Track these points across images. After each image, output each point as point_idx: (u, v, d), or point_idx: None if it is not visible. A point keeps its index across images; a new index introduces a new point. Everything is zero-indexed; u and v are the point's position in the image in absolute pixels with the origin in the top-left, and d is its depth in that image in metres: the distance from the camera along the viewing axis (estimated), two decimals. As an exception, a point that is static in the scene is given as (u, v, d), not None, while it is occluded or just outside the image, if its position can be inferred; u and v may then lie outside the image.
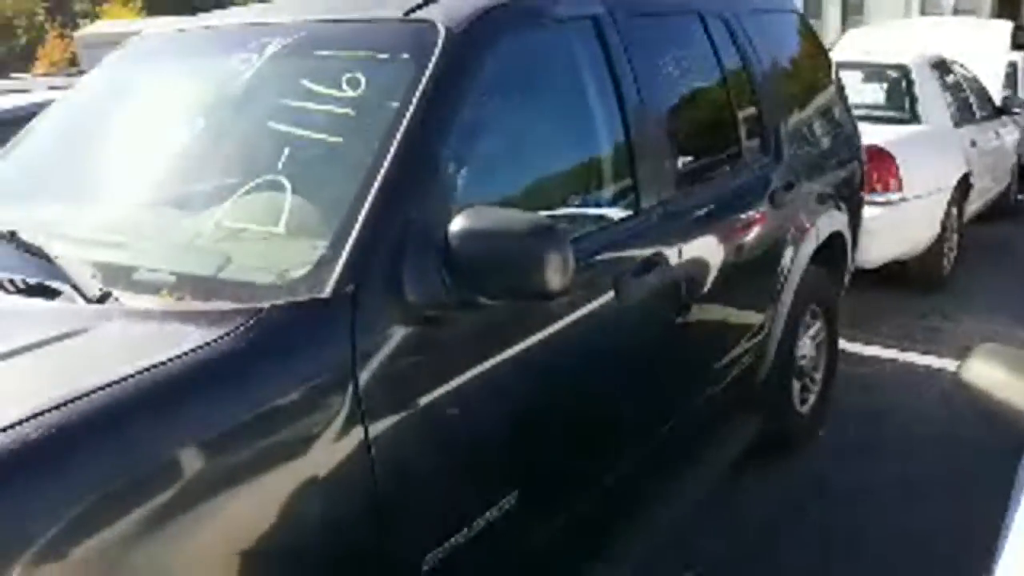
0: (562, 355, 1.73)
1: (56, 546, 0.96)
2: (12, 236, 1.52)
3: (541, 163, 1.83)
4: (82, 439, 1.02)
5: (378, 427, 1.32)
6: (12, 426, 0.99)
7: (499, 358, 1.57)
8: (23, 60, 30.97)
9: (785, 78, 3.02)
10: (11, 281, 1.42)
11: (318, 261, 1.36)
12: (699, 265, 2.22)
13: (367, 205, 1.39)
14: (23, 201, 1.85)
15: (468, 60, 1.65)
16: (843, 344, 3.59)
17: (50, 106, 2.24)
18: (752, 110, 2.68)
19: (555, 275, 1.36)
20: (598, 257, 1.85)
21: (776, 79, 2.87)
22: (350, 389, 1.28)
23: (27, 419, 1.01)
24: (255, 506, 1.18)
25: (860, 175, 3.48)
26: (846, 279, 3.49)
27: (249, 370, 1.19)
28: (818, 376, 3.23)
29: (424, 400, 1.41)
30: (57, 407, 1.03)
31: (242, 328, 1.22)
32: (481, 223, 1.38)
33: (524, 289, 1.39)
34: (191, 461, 1.10)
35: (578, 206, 1.88)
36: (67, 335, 1.22)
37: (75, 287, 1.37)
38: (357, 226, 1.37)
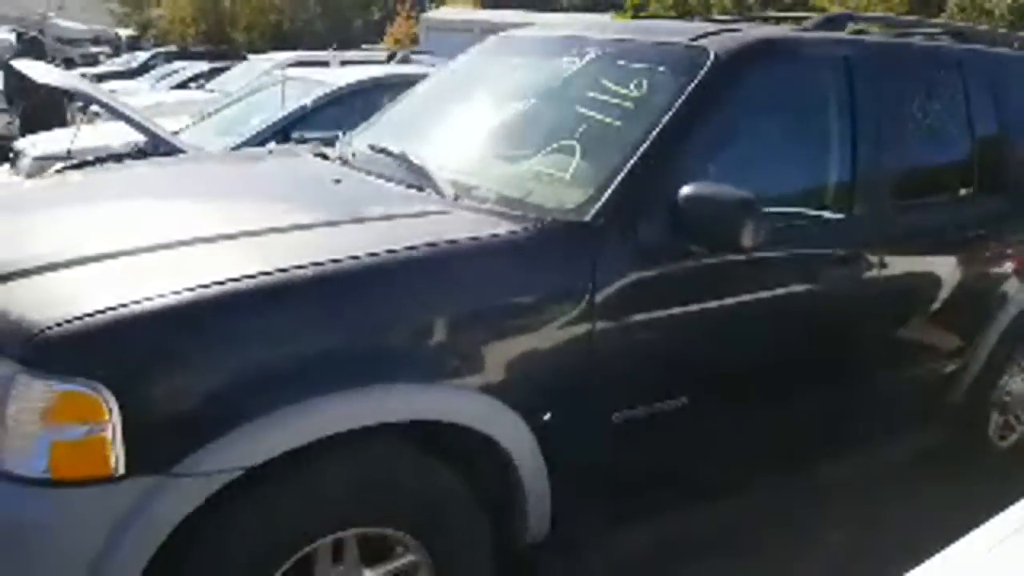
0: (748, 311, 2.26)
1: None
2: (402, 155, 2.41)
3: (767, 163, 2.37)
4: (451, 263, 1.85)
5: (601, 317, 1.97)
6: (411, 248, 1.81)
7: (697, 304, 2.15)
8: (373, 34, 35.79)
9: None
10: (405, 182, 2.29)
11: (586, 199, 2.05)
12: (898, 274, 2.59)
13: (625, 169, 2.06)
14: (407, 138, 2.75)
15: (727, 79, 2.25)
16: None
17: (428, 76, 3.18)
18: (993, 156, 2.93)
19: (748, 235, 1.94)
20: (803, 246, 2.36)
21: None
22: (589, 285, 1.96)
23: (422, 246, 1.83)
24: (515, 342, 1.90)
25: None
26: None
27: (532, 250, 1.94)
28: (1025, 417, 3.34)
29: (635, 308, 2.04)
30: (433, 244, 1.85)
31: (533, 226, 1.97)
32: (702, 190, 1.98)
33: (725, 242, 1.98)
34: (493, 291, 1.87)
35: (793, 202, 2.39)
36: (438, 212, 2.07)
37: (440, 191, 2.19)
38: (615, 182, 2.05)
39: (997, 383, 3.13)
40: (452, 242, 1.88)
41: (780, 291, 2.32)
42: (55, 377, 1.48)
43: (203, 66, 15.09)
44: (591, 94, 2.34)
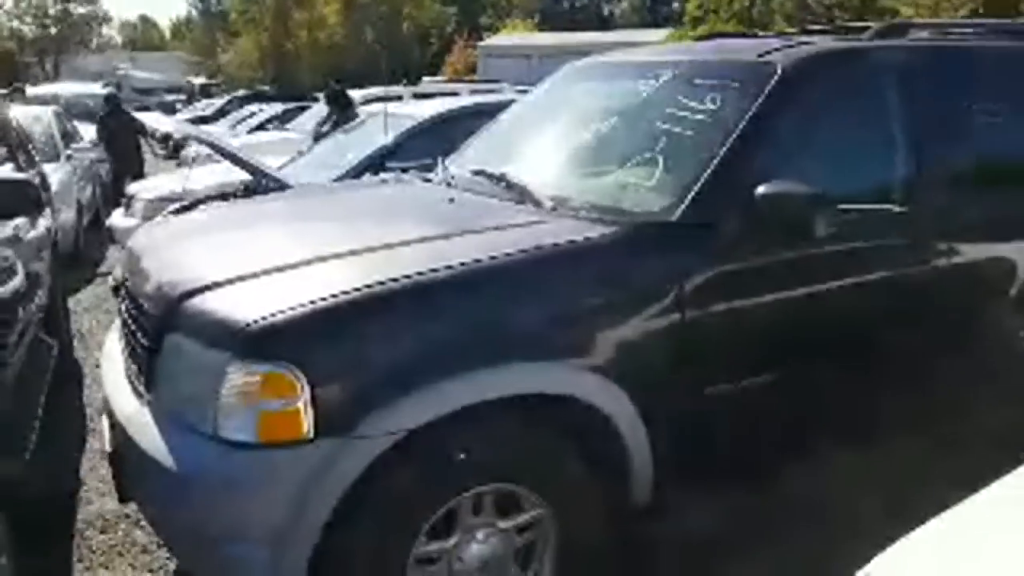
0: (822, 296, 2.51)
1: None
2: (502, 176, 2.76)
3: (836, 162, 2.61)
4: (555, 265, 2.18)
5: (689, 304, 2.26)
6: (522, 251, 2.15)
7: (774, 292, 2.40)
8: (431, 66, 36.81)
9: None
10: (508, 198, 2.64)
11: (670, 204, 2.35)
12: (959, 261, 2.78)
13: (705, 175, 2.35)
14: (501, 162, 3.09)
15: (794, 90, 2.52)
16: None
17: (514, 104, 3.54)
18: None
19: (820, 227, 2.21)
20: (866, 235, 2.59)
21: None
22: (677, 277, 2.25)
23: (527, 250, 2.16)
24: (616, 329, 2.20)
25: None
26: None
27: (625, 248, 2.26)
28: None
29: (718, 296, 2.31)
30: (540, 247, 2.18)
31: (625, 228, 2.29)
32: (775, 188, 2.26)
33: (798, 233, 2.25)
34: (593, 285, 2.18)
35: (859, 198, 2.61)
36: (540, 221, 2.40)
37: (539, 204, 2.53)
38: (696, 187, 2.34)
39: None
40: (556, 245, 2.21)
41: (851, 278, 2.56)
42: (259, 362, 1.85)
43: (277, 108, 15.91)
44: (668, 111, 2.65)
